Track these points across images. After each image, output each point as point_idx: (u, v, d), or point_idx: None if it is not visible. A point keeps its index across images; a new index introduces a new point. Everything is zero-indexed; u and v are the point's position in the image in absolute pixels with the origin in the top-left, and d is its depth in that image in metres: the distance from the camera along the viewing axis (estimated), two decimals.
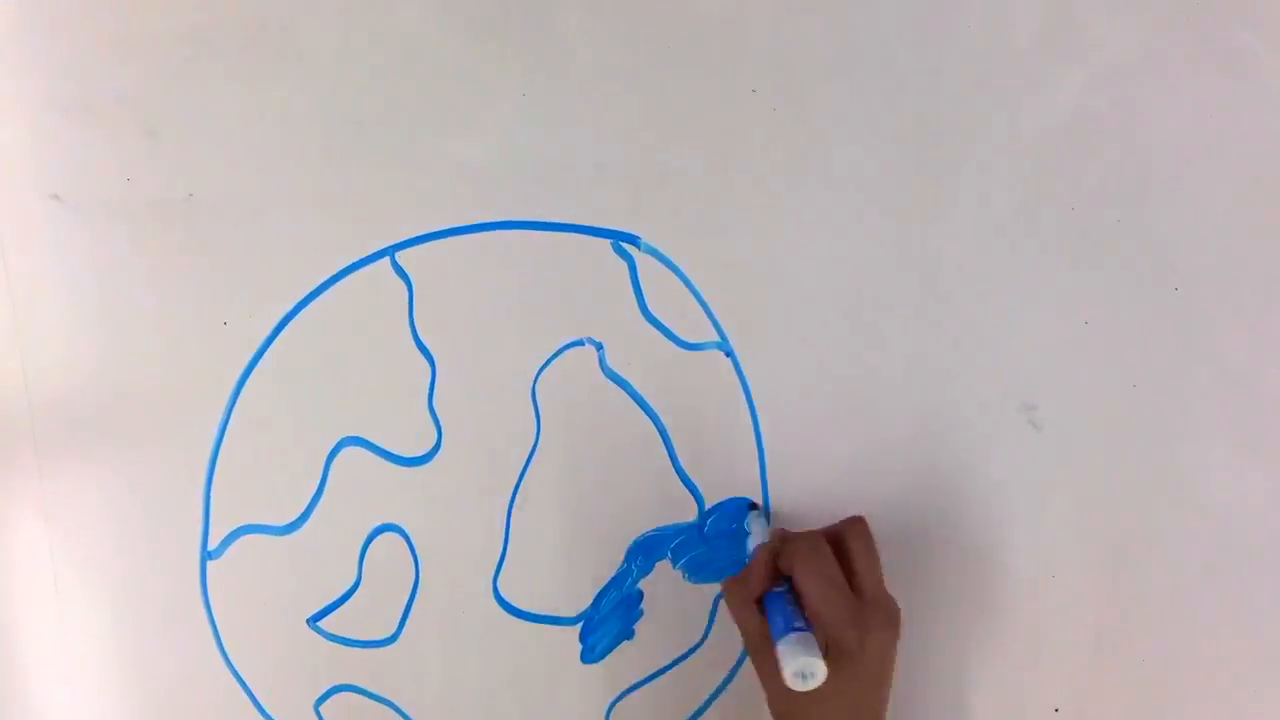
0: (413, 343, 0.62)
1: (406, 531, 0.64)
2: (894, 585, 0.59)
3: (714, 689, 0.65)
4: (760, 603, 0.56)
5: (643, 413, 0.63)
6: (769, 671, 0.54)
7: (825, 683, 0.50)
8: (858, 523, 0.58)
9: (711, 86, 0.59)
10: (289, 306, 0.61)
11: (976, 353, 0.61)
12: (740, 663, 0.65)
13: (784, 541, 0.58)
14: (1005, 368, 0.62)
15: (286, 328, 0.62)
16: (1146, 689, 0.64)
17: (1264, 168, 0.60)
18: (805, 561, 0.54)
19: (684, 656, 0.65)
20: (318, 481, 0.63)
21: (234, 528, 0.63)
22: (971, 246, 0.60)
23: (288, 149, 0.60)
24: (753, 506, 0.63)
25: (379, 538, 0.64)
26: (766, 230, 0.61)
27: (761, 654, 0.55)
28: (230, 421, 0.62)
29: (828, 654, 0.51)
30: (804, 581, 0.54)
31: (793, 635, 0.51)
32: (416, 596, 0.64)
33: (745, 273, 0.61)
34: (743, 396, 0.62)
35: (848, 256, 0.61)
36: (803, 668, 0.50)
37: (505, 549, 0.64)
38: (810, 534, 0.58)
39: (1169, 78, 0.59)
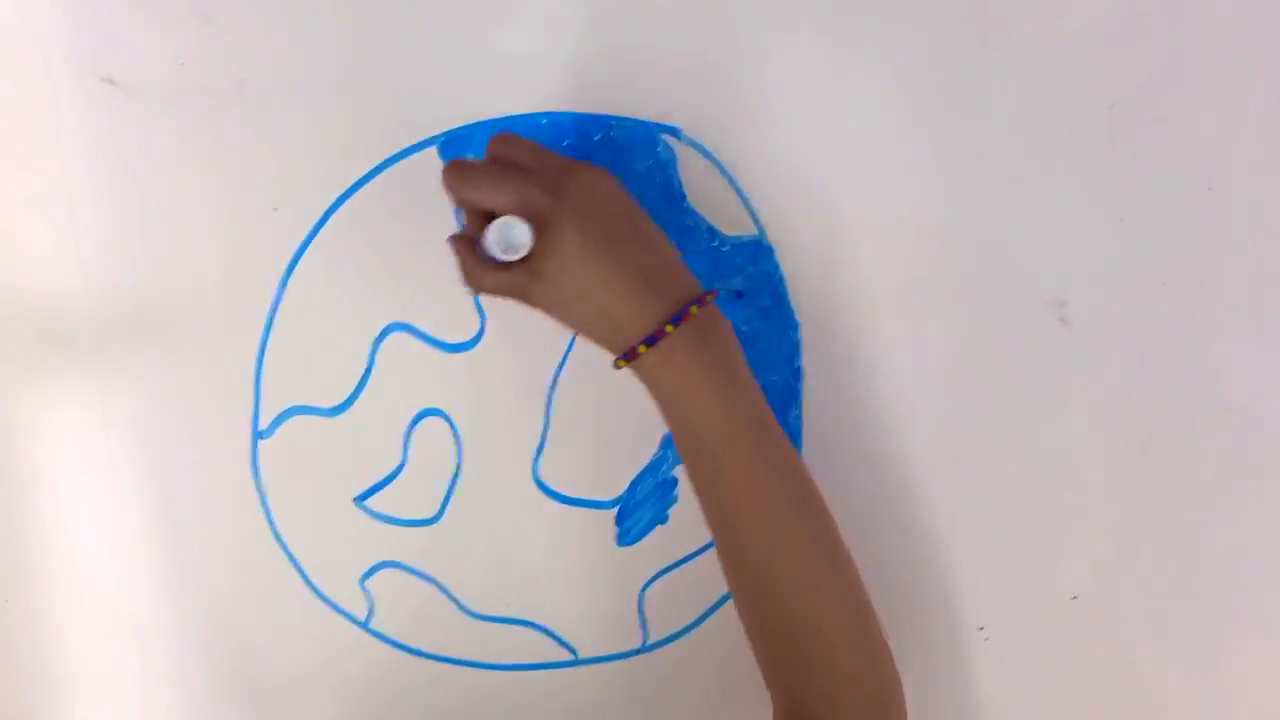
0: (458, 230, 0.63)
1: (449, 416, 0.66)
2: (918, 475, 0.62)
3: None
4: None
5: None
6: (529, 290, 0.53)
7: (555, 250, 0.50)
8: (496, 139, 0.55)
9: None
10: (338, 193, 0.63)
11: (1009, 248, 0.63)
12: None
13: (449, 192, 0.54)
14: (1037, 264, 0.63)
15: (335, 214, 0.63)
16: (1165, 582, 0.66)
17: None
18: (466, 184, 0.52)
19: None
20: (365, 365, 0.65)
21: (284, 408, 0.65)
22: (1008, 141, 0.61)
23: (339, 37, 0.61)
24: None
25: (423, 421, 0.66)
26: (808, 124, 0.61)
27: (519, 290, 0.54)
28: (281, 305, 0.64)
29: (541, 231, 0.50)
30: (475, 194, 0.52)
31: (489, 226, 0.50)
32: (458, 478, 0.67)
33: (785, 167, 0.62)
34: (779, 290, 0.64)
35: (885, 151, 0.62)
36: (499, 235, 0.49)
37: (545, 434, 0.66)
38: (457, 165, 0.54)
39: None
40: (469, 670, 0.69)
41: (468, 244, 0.54)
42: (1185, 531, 0.66)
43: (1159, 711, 0.68)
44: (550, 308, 0.54)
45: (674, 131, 0.62)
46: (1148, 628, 0.67)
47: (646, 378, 0.54)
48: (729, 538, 0.57)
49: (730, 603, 0.67)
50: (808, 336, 0.64)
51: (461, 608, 0.68)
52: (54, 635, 0.69)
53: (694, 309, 0.52)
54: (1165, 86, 0.60)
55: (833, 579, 0.56)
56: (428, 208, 0.63)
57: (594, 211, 0.52)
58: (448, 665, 0.69)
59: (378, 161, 0.62)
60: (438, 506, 0.67)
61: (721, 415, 0.53)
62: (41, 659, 0.69)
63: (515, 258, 0.50)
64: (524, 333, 0.65)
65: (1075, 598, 0.67)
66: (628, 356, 0.53)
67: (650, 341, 0.52)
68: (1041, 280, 0.63)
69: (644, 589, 0.68)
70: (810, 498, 0.57)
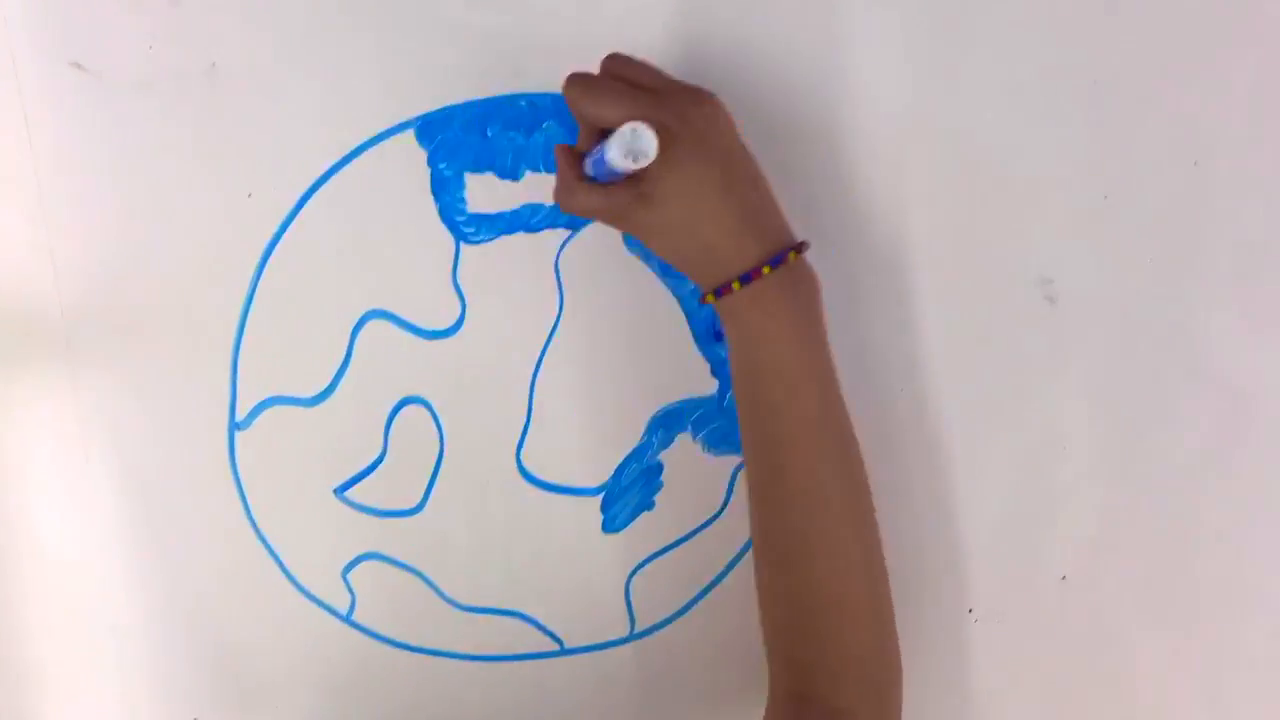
0: (437, 215, 0.62)
1: (431, 404, 0.65)
2: (906, 457, 0.62)
3: (731, 558, 0.67)
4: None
5: (664, 287, 0.64)
6: (631, 213, 0.52)
7: (672, 173, 0.49)
8: (611, 57, 0.55)
9: None
10: (314, 177, 0.62)
11: (995, 226, 0.62)
12: None
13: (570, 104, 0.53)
14: (1022, 241, 0.62)
15: (312, 199, 0.62)
16: (1154, 561, 0.66)
17: None
18: (591, 96, 0.52)
19: (702, 527, 0.67)
20: (343, 353, 0.64)
21: (262, 399, 0.64)
22: (994, 118, 0.61)
23: (313, 18, 0.60)
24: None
25: (404, 409, 0.65)
26: (791, 101, 0.61)
27: (619, 211, 0.53)
28: (256, 293, 0.63)
29: (661, 151, 0.48)
30: (598, 109, 0.51)
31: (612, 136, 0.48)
32: (441, 467, 0.65)
33: (768, 147, 0.61)
34: None
35: (871, 128, 0.61)
36: (626, 140, 0.47)
37: (528, 421, 0.65)
38: (580, 78, 0.53)
39: None
40: (453, 662, 0.68)
41: (572, 158, 0.54)
42: (1173, 509, 0.66)
43: (1149, 690, 0.68)
44: (649, 233, 0.54)
45: None
46: (1137, 606, 0.67)
47: (732, 316, 0.54)
48: (770, 493, 0.56)
49: (717, 589, 0.67)
50: None
51: (445, 599, 0.67)
52: (28, 633, 0.67)
53: (792, 255, 0.52)
54: (1150, 62, 0.60)
55: (864, 557, 0.56)
56: (406, 191, 0.62)
57: (714, 142, 0.51)
58: (432, 657, 0.68)
59: (354, 145, 0.61)
60: (420, 496, 0.66)
61: (795, 364, 0.53)
62: (15, 658, 0.68)
63: (635, 167, 0.48)
64: (506, 318, 0.64)
65: (1064, 578, 0.66)
66: (720, 292, 0.52)
67: (746, 280, 0.51)
68: (1027, 258, 0.63)
69: (631, 576, 0.67)
70: (858, 472, 0.56)
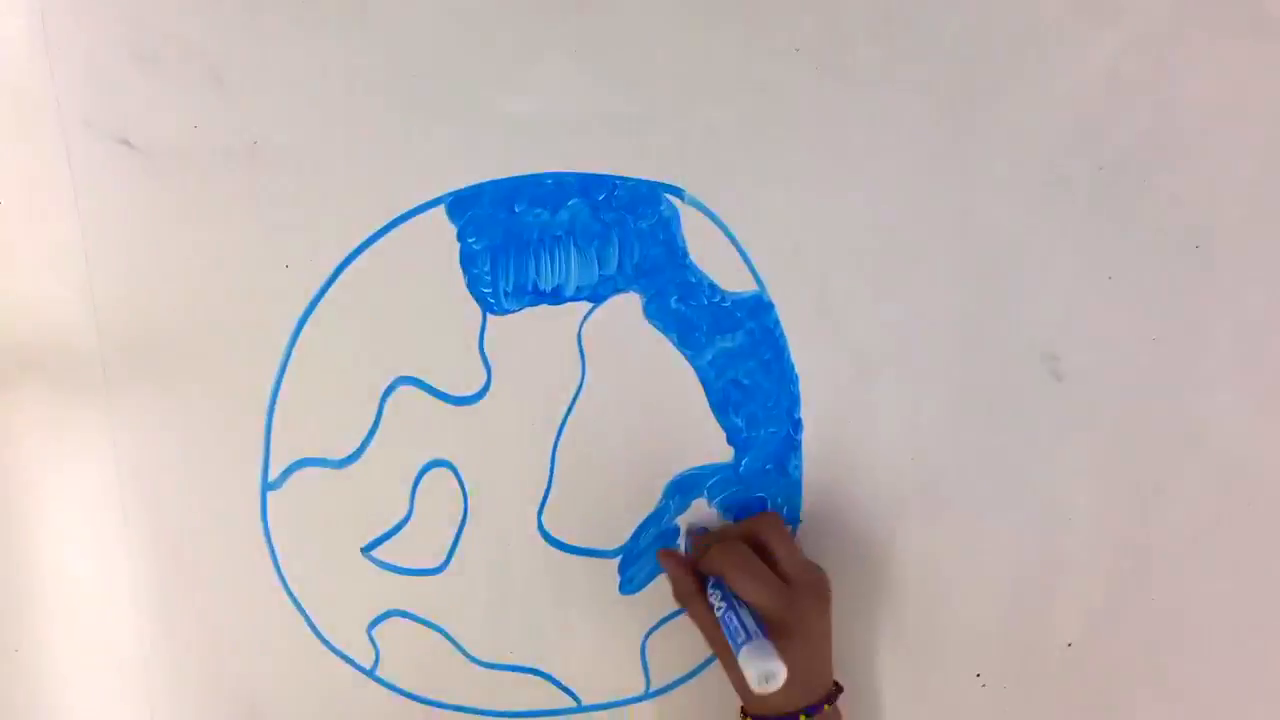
0: (465, 287, 0.65)
1: (456, 467, 0.67)
2: (916, 525, 0.63)
3: None
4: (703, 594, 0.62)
5: (683, 358, 0.66)
6: (728, 662, 0.60)
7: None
8: (767, 516, 0.64)
9: (757, 44, 0.62)
10: (348, 250, 0.64)
11: (1003, 304, 0.64)
12: None
13: (705, 550, 0.63)
14: (1031, 320, 0.64)
15: (345, 271, 0.64)
16: (1156, 630, 0.68)
17: None
18: (729, 563, 0.60)
19: None
20: (373, 418, 0.66)
21: (293, 460, 0.66)
22: (1002, 202, 0.63)
23: (350, 100, 0.62)
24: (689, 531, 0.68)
25: (430, 472, 0.67)
26: (806, 185, 0.63)
27: (719, 647, 0.61)
28: (291, 360, 0.65)
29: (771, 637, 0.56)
30: (734, 581, 0.59)
31: (750, 643, 0.56)
32: (465, 528, 0.68)
33: (784, 225, 0.64)
34: (780, 344, 0.65)
35: (882, 210, 0.63)
36: (763, 671, 0.55)
37: (550, 485, 0.67)
38: (726, 538, 0.63)
39: (1198, 43, 0.61)
40: (473, 717, 0.70)
41: (685, 568, 0.64)
42: (1176, 579, 0.67)
43: None
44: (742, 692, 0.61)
45: (677, 191, 0.64)
46: (1139, 675, 0.68)
47: None
48: None
49: None
50: (807, 389, 0.66)
51: (467, 656, 0.69)
52: (63, 683, 0.70)
53: (826, 707, 0.60)
54: (1152, 149, 0.62)
55: None
56: (436, 264, 0.64)
57: (818, 640, 0.61)
58: (452, 712, 0.70)
59: (387, 220, 0.64)
60: (444, 556, 0.68)
61: None
62: (51, 707, 0.70)
63: (765, 690, 0.55)
64: (529, 386, 0.66)
65: (1069, 645, 0.68)
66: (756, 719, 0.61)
67: None
68: (1035, 335, 0.65)
69: (647, 636, 0.69)
70: None
